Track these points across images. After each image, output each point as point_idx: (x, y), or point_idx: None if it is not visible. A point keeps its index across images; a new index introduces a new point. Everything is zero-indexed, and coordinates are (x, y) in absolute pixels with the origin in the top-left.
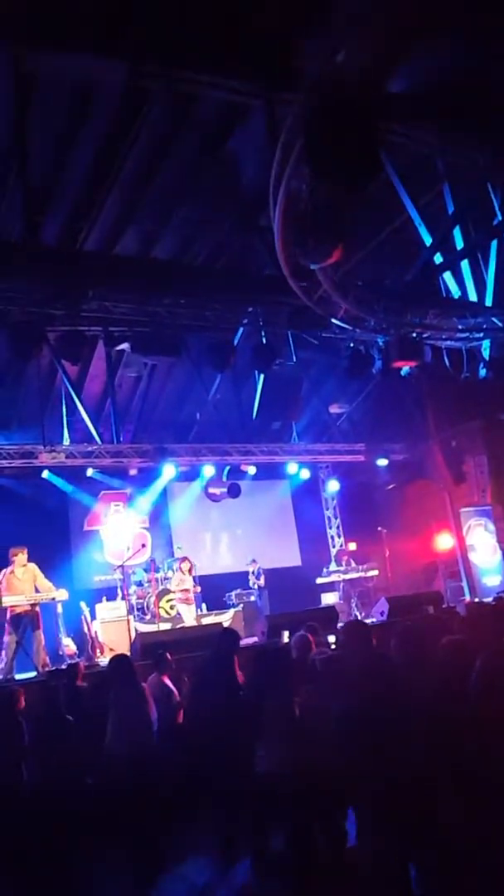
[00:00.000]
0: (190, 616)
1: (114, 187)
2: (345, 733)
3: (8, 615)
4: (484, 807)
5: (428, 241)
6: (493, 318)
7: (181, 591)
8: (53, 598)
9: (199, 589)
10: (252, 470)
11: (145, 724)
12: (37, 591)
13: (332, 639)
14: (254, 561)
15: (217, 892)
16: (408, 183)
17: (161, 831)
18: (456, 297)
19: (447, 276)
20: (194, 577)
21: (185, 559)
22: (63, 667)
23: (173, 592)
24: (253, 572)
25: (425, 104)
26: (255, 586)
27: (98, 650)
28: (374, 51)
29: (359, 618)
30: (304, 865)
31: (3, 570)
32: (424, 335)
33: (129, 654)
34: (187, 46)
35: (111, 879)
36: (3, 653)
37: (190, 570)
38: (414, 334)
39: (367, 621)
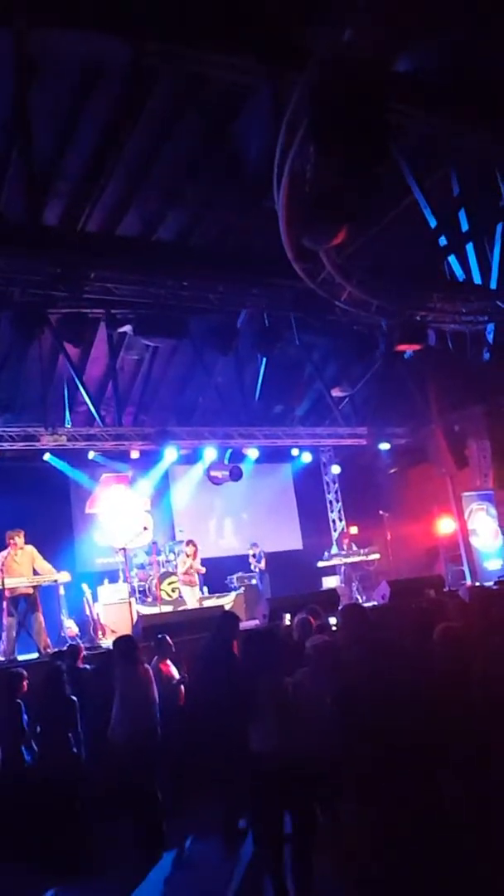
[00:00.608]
0: (192, 598)
1: (117, 168)
2: (339, 715)
3: (7, 597)
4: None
5: (433, 223)
6: (498, 302)
7: (184, 573)
8: (55, 581)
9: (204, 570)
10: (254, 453)
11: (148, 704)
12: (35, 573)
13: (333, 620)
14: (255, 545)
15: (218, 870)
16: (413, 164)
17: (162, 810)
18: (460, 280)
19: (452, 259)
20: (202, 562)
21: (190, 542)
22: (64, 648)
23: (175, 574)
24: (254, 555)
25: (432, 85)
26: (257, 569)
27: (100, 632)
28: (381, 30)
29: (360, 601)
30: (300, 844)
31: (2, 553)
32: (428, 318)
33: (132, 635)
34: (192, 25)
35: (114, 856)
36: (4, 634)
37: (195, 555)
38: (418, 317)
39: (369, 605)
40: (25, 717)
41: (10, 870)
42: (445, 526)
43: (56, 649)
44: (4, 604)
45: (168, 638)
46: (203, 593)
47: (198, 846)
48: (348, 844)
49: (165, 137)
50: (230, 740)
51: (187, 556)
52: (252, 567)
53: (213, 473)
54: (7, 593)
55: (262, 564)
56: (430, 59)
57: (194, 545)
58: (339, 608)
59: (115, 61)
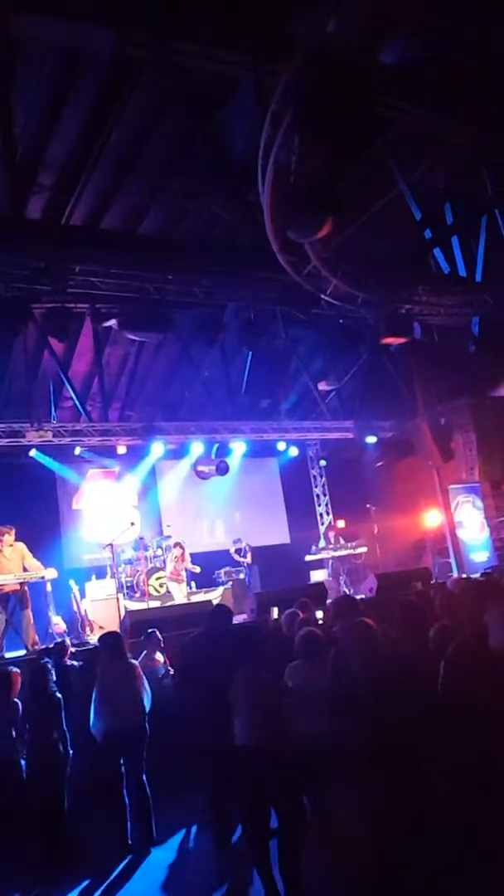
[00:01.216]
0: (180, 594)
1: (101, 160)
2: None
3: None
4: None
5: (418, 216)
6: (483, 295)
7: (172, 571)
8: (43, 577)
9: (198, 569)
10: (241, 447)
11: (133, 699)
12: (24, 570)
13: (320, 614)
14: (238, 540)
15: (206, 864)
16: (398, 157)
17: (147, 803)
18: (446, 273)
19: (437, 251)
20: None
21: (177, 544)
22: (51, 645)
23: (163, 570)
24: (237, 550)
25: (417, 77)
26: (245, 564)
27: (88, 628)
28: (365, 21)
29: (348, 594)
30: (287, 838)
31: None
32: (414, 311)
33: (118, 631)
34: (176, 16)
35: (102, 852)
36: None
37: (182, 556)
38: (403, 311)
39: (357, 598)
40: (17, 716)
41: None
42: (432, 519)
43: (44, 646)
44: None
45: (157, 632)
46: (191, 588)
47: (186, 840)
48: (336, 838)
49: (149, 129)
50: (216, 734)
51: (175, 557)
52: (237, 560)
53: (199, 468)
54: None
55: (249, 559)
56: (415, 50)
57: (181, 547)
58: (331, 600)
59: (99, 51)
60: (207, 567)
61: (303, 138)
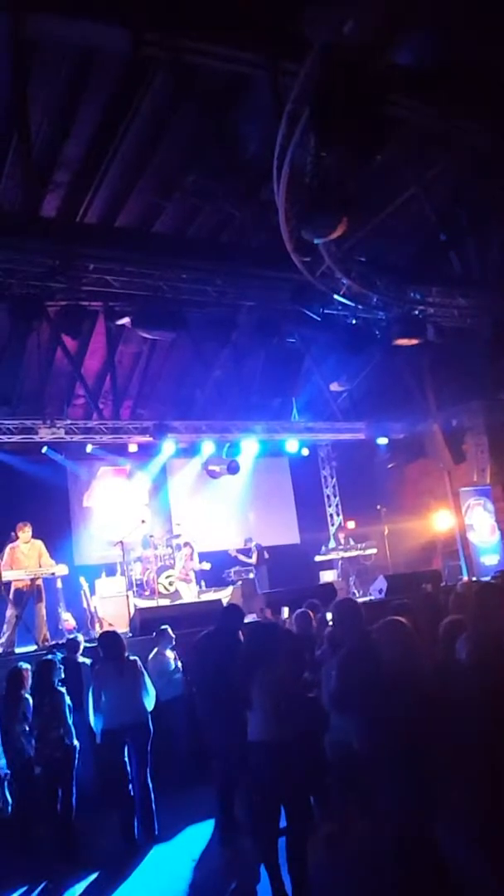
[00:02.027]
0: (188, 594)
1: (115, 159)
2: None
3: (11, 589)
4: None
5: (432, 217)
6: (497, 297)
7: (181, 570)
8: (53, 574)
9: (208, 566)
10: (252, 447)
11: (134, 698)
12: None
13: (329, 615)
14: (249, 539)
15: (213, 860)
16: (413, 157)
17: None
18: (460, 274)
19: (451, 253)
20: (199, 556)
21: (187, 543)
22: (62, 641)
23: (173, 568)
24: (240, 550)
25: (430, 77)
26: (251, 564)
27: (98, 625)
28: (382, 20)
29: (356, 595)
30: (295, 836)
31: (8, 545)
32: (427, 313)
33: (127, 629)
34: (191, 15)
35: (108, 846)
36: (5, 626)
37: (191, 556)
38: (416, 312)
39: (365, 599)
40: (28, 711)
41: (5, 860)
42: (443, 521)
43: (55, 641)
44: (10, 595)
45: (169, 629)
46: (201, 587)
47: (189, 837)
48: (346, 837)
49: (163, 128)
50: (228, 730)
51: (185, 556)
52: (241, 560)
53: (210, 467)
54: (11, 585)
55: (254, 559)
56: (430, 50)
57: (191, 546)
58: (333, 603)
59: (113, 50)
60: (217, 566)
61: (318, 138)
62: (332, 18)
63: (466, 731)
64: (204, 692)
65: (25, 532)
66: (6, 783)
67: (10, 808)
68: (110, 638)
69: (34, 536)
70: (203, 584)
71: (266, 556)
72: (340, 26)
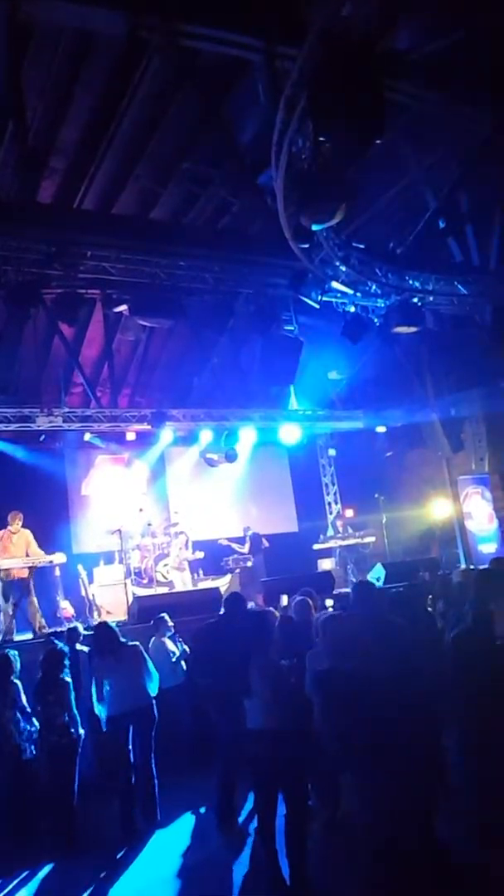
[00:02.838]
0: (181, 583)
1: (112, 145)
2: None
3: (2, 579)
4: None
5: (432, 204)
6: (497, 284)
7: (174, 558)
8: (51, 562)
9: (202, 554)
10: (250, 435)
11: (137, 684)
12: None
13: (329, 603)
14: (247, 528)
15: (212, 847)
16: (412, 143)
17: (153, 786)
18: (459, 261)
19: (451, 240)
20: (193, 546)
21: (181, 533)
22: (61, 629)
23: (169, 558)
24: (232, 539)
25: (430, 63)
26: (230, 558)
27: (96, 613)
28: (379, 4)
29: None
30: (294, 823)
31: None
32: (426, 300)
33: (125, 617)
34: None
35: (108, 832)
36: (1, 615)
37: (184, 545)
38: (415, 299)
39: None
40: (24, 696)
41: (6, 846)
42: (441, 509)
43: (53, 629)
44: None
45: (167, 617)
46: (199, 575)
47: (191, 824)
48: (343, 825)
49: (161, 114)
50: (229, 718)
51: (179, 546)
52: (233, 549)
53: (208, 455)
54: (2, 575)
55: (246, 548)
56: (430, 35)
57: (185, 535)
58: (353, 585)
59: (109, 34)
60: (215, 554)
61: (316, 124)
62: (331, 1)
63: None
64: (206, 680)
65: (15, 522)
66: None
67: None
68: (102, 630)
69: (28, 526)
70: (200, 572)
71: (265, 544)
72: (339, 9)
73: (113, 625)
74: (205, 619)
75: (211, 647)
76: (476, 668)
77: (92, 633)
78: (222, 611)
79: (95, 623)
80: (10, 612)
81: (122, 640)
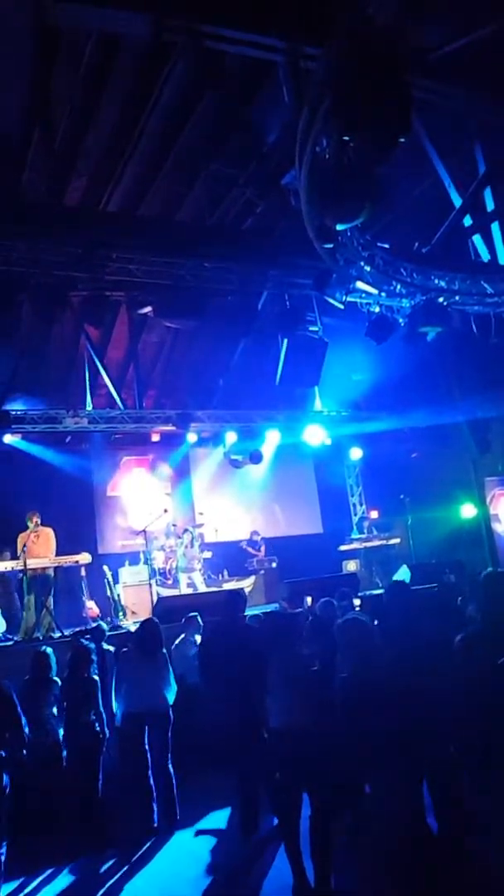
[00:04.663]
0: (184, 583)
1: (138, 147)
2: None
3: (27, 576)
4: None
5: (457, 202)
6: None
7: (182, 558)
8: (77, 562)
9: (209, 554)
10: (275, 436)
11: (155, 687)
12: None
13: (356, 602)
14: (255, 532)
15: (234, 848)
16: (437, 142)
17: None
18: (485, 260)
19: (477, 239)
20: (200, 546)
21: (186, 531)
22: (86, 629)
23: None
24: (249, 543)
25: (455, 60)
26: (254, 559)
27: (120, 613)
28: (404, 3)
29: (379, 585)
30: (318, 824)
31: (22, 534)
32: (452, 300)
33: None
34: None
35: (131, 831)
36: (24, 613)
37: (191, 542)
38: (441, 299)
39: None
40: (58, 694)
41: (33, 844)
42: (467, 511)
43: (79, 629)
44: (25, 583)
45: (199, 617)
46: (223, 576)
47: (211, 824)
48: (369, 827)
49: (186, 116)
50: (242, 718)
51: (185, 546)
52: (252, 554)
53: (233, 457)
54: (28, 573)
55: (262, 552)
56: (455, 32)
57: (190, 533)
58: (387, 587)
59: (135, 37)
60: (239, 555)
61: (341, 123)
62: (355, 2)
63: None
64: (214, 681)
65: (35, 521)
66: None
67: (7, 791)
68: (148, 627)
69: (53, 526)
70: (225, 573)
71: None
72: (363, 8)
73: (159, 625)
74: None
75: (217, 649)
76: (484, 670)
77: (140, 626)
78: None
79: (134, 620)
80: (33, 608)
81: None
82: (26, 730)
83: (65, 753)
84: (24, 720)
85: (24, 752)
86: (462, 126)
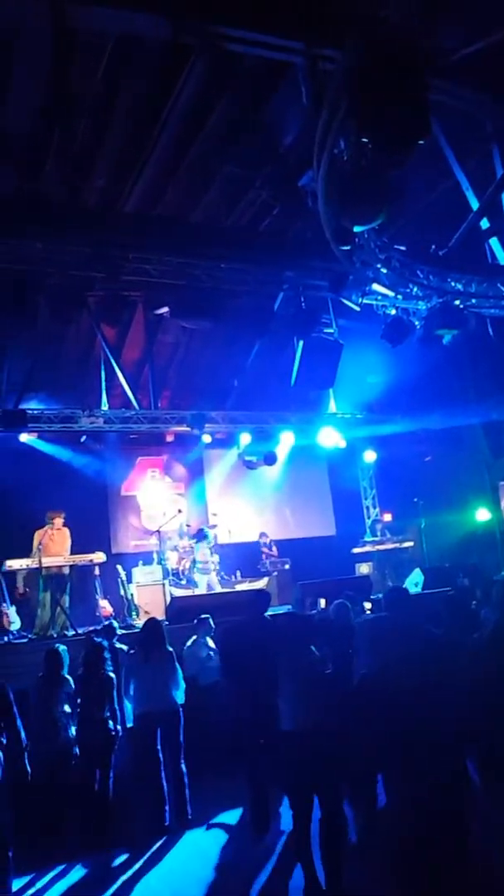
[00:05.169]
0: (204, 585)
1: (155, 149)
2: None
3: (42, 574)
4: None
5: (475, 205)
6: None
7: (202, 560)
8: (91, 561)
9: (216, 558)
10: (289, 438)
11: (165, 686)
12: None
13: (367, 605)
14: (263, 534)
15: (245, 848)
16: (455, 144)
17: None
18: (502, 263)
19: (494, 241)
20: (211, 548)
21: (202, 531)
22: (99, 627)
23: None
24: (265, 544)
25: (475, 63)
26: (266, 561)
27: (134, 612)
28: (422, 3)
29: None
30: (331, 825)
31: (39, 531)
32: (468, 303)
33: (163, 617)
34: (230, 1)
35: (140, 830)
36: (39, 610)
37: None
38: (457, 301)
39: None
40: (70, 692)
41: (44, 840)
42: (481, 514)
43: (92, 628)
44: (38, 580)
45: (210, 619)
46: (236, 577)
47: (221, 824)
48: (380, 828)
49: (202, 117)
50: (261, 719)
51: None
52: (264, 558)
53: (247, 458)
54: (43, 571)
55: (275, 551)
56: (473, 33)
57: (195, 536)
58: (386, 592)
59: (153, 39)
60: (253, 557)
61: (359, 125)
62: (372, 3)
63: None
64: (236, 681)
65: (57, 520)
66: (27, 753)
67: (28, 778)
68: (151, 625)
69: (68, 525)
70: (238, 574)
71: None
72: (381, 10)
73: (162, 623)
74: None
75: (237, 648)
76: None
77: (144, 625)
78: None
79: (146, 619)
80: (48, 605)
81: (166, 641)
82: (23, 734)
83: (76, 751)
84: (20, 724)
85: (26, 755)
86: (480, 128)
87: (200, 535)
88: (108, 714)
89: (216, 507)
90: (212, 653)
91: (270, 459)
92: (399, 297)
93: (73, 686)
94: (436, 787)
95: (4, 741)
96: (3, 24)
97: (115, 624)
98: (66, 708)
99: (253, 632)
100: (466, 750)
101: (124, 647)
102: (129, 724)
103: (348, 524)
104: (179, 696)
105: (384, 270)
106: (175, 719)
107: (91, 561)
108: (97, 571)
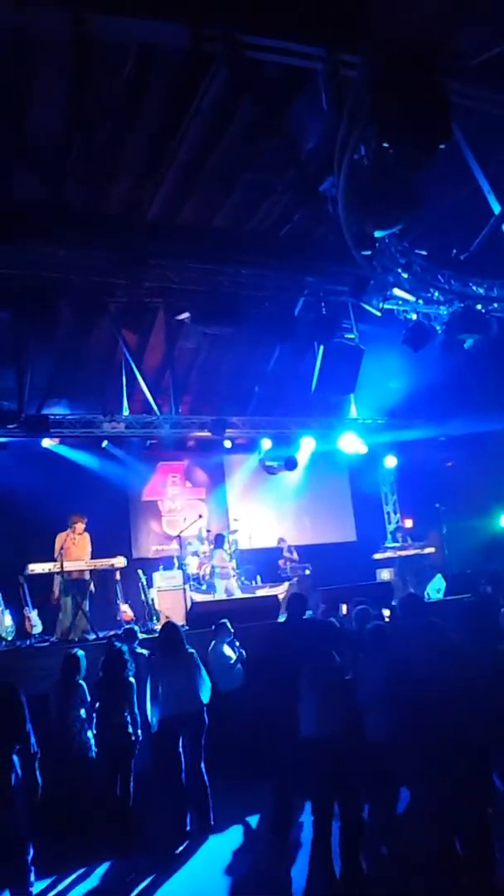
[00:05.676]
0: (222, 590)
1: (177, 156)
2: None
3: (63, 578)
4: None
5: (497, 209)
6: None
7: (220, 565)
8: (112, 565)
9: (234, 563)
10: (310, 443)
11: (190, 689)
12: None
13: (386, 612)
14: (282, 539)
15: (267, 852)
16: (477, 148)
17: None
18: None
19: None
20: (230, 553)
21: (221, 536)
22: (120, 632)
23: (218, 567)
24: (286, 549)
25: (497, 66)
26: (287, 566)
27: (154, 617)
28: (442, 6)
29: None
30: (350, 831)
31: (61, 535)
32: (490, 307)
33: (184, 622)
34: (251, 8)
35: (163, 835)
36: (60, 615)
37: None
38: (479, 306)
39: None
40: (88, 697)
41: (63, 844)
42: (503, 520)
43: (113, 633)
44: (61, 585)
45: (228, 623)
46: (256, 582)
47: (244, 829)
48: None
49: (224, 124)
50: (282, 725)
51: (225, 551)
52: (282, 564)
53: (268, 463)
54: (64, 575)
55: (296, 556)
56: (494, 37)
57: (210, 542)
58: (400, 599)
59: (174, 47)
60: (273, 562)
61: (380, 130)
62: (395, 5)
63: None
64: (263, 685)
65: (79, 525)
66: (37, 761)
67: (39, 791)
68: (168, 629)
69: (89, 530)
70: (259, 579)
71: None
72: (401, 14)
73: (179, 626)
74: (261, 625)
75: (270, 652)
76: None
77: (159, 630)
78: (283, 617)
79: (162, 623)
80: (70, 609)
81: (185, 643)
82: (33, 740)
83: (93, 754)
84: (31, 731)
85: (37, 764)
86: (502, 131)
87: (219, 541)
88: (129, 719)
89: (237, 512)
90: (230, 658)
91: (291, 465)
92: (420, 301)
93: (87, 692)
94: (460, 796)
95: (18, 747)
96: (26, 36)
97: (136, 628)
98: (82, 713)
99: (283, 636)
100: (493, 758)
101: (145, 652)
102: (153, 730)
103: (369, 530)
104: (205, 696)
105: (405, 275)
106: (200, 722)
107: (112, 565)
108: (118, 576)
